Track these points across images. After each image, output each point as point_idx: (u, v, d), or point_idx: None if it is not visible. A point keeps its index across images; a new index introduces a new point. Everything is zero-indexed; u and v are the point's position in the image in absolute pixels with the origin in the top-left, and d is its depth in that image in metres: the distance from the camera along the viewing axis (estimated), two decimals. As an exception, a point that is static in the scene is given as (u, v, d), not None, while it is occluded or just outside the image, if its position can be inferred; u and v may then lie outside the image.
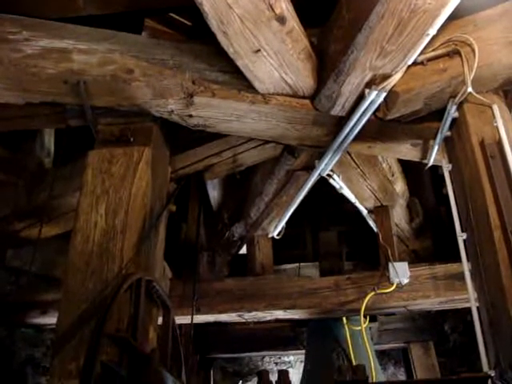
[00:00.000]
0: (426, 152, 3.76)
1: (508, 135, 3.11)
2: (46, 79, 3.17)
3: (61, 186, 4.29)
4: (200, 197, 5.05)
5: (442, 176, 3.65)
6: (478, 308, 3.17)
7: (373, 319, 5.65)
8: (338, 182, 4.28)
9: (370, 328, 5.63)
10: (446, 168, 3.60)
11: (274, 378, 2.65)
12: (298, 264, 5.63)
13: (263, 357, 6.51)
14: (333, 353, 5.03)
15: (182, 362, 3.43)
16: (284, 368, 5.23)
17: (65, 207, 4.32)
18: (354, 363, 4.83)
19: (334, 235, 5.48)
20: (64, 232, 4.41)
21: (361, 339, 4.97)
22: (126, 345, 2.56)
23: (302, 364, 6.27)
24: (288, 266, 5.72)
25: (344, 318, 5.07)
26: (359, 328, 4.94)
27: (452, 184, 3.54)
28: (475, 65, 3.08)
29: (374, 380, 4.65)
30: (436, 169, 4.81)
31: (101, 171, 3.19)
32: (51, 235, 4.57)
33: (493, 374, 2.72)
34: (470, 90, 3.15)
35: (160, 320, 3.29)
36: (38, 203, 4.36)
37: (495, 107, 3.22)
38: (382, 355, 6.38)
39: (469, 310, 3.27)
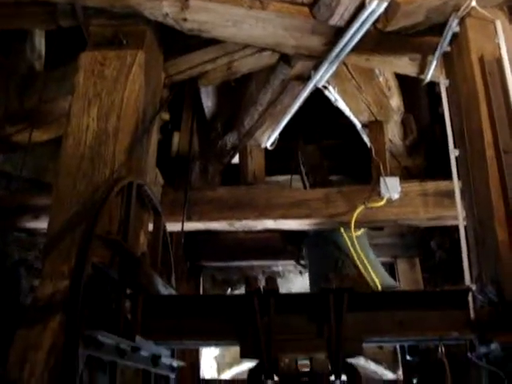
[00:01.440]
0: (423, 67, 3.72)
1: (509, 53, 3.06)
2: (35, -25, 3.07)
3: (52, 90, 4.23)
4: (194, 105, 4.99)
5: (439, 95, 3.62)
6: (465, 226, 3.21)
7: None
8: (333, 94, 4.23)
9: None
10: (443, 84, 3.56)
11: (261, 285, 2.70)
12: (290, 176, 5.63)
13: (252, 266, 6.62)
14: (338, 262, 5.07)
15: (172, 267, 3.49)
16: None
17: (57, 111, 4.27)
18: (362, 269, 4.89)
19: (316, 148, 5.42)
20: (56, 137, 4.38)
21: (359, 246, 5.01)
22: (117, 247, 2.59)
23: (291, 274, 6.41)
24: (280, 178, 5.72)
25: (341, 228, 5.08)
26: (358, 233, 4.99)
27: (448, 101, 3.51)
28: (481, -24, 3.00)
29: (379, 286, 4.72)
30: (432, 87, 4.77)
31: (93, 74, 3.14)
32: (43, 140, 4.54)
33: (474, 288, 2.78)
34: (473, 3, 3.08)
35: (151, 227, 3.33)
36: (29, 107, 4.31)
37: (498, 23, 3.16)
38: (368, 268, 6.51)
39: (456, 228, 3.31)
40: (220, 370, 6.99)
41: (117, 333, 2.41)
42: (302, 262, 6.00)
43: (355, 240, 4.80)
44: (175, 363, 3.21)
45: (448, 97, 3.50)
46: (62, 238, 2.68)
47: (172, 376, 3.23)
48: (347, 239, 4.99)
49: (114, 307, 2.58)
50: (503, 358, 2.49)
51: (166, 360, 3.01)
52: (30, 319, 2.45)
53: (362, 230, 5.07)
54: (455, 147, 3.34)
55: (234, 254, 6.14)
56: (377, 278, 4.82)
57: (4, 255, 5.60)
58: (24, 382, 2.22)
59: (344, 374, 2.48)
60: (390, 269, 6.28)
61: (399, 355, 5.95)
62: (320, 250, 5.46)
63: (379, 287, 4.73)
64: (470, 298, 2.69)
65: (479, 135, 2.97)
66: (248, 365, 2.63)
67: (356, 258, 4.92)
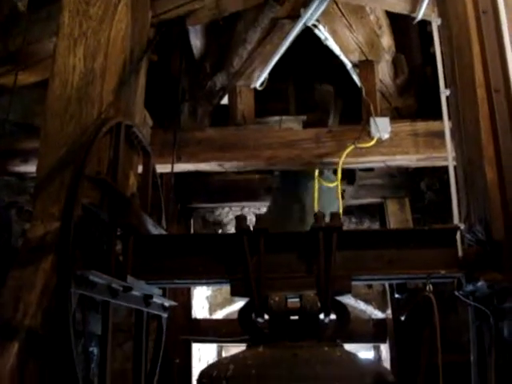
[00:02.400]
0: (415, 5, 3.67)
1: (503, -11, 2.99)
2: None
3: (37, 31, 4.15)
4: (182, 46, 4.91)
5: (430, 35, 3.56)
6: (454, 166, 3.21)
7: (351, 181, 5.71)
8: (323, 33, 4.17)
9: (344, 190, 5.64)
10: (435, 23, 3.51)
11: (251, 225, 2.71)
12: (280, 117, 5.59)
13: (243, 207, 6.63)
14: (294, 204, 5.12)
15: (163, 208, 3.50)
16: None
17: (42, 53, 4.20)
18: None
19: (331, 89, 5.31)
20: (43, 80, 4.31)
21: (329, 196, 5.05)
22: (107, 187, 2.59)
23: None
24: (270, 119, 5.67)
25: (316, 172, 5.10)
26: (330, 185, 5.03)
27: (440, 40, 3.46)
28: None
29: None
30: (424, 28, 4.70)
31: (78, 13, 3.07)
32: (29, 82, 4.48)
33: (462, 227, 2.80)
34: None
35: (141, 169, 3.32)
36: (13, 49, 4.23)
37: (494, -43, 3.07)
38: (358, 210, 6.53)
39: (446, 169, 3.32)
40: (212, 311, 7.09)
41: (108, 273, 2.44)
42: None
43: (339, 186, 4.82)
44: (167, 303, 3.25)
45: (440, 36, 3.46)
46: (51, 180, 2.67)
47: (164, 315, 3.29)
48: (316, 185, 5.02)
49: (105, 248, 2.60)
50: (489, 296, 2.53)
51: (157, 300, 3.05)
52: (22, 260, 2.47)
53: (336, 182, 5.07)
54: (446, 87, 3.32)
55: (225, 196, 6.15)
56: None
57: (-7, 198, 5.58)
58: (18, 322, 2.24)
59: (333, 311, 2.52)
60: (380, 209, 6.32)
61: (388, 294, 6.04)
62: (284, 190, 5.48)
63: None
64: (459, 237, 2.72)
65: (470, 74, 2.94)
66: (240, 305, 2.67)
67: (316, 205, 4.95)
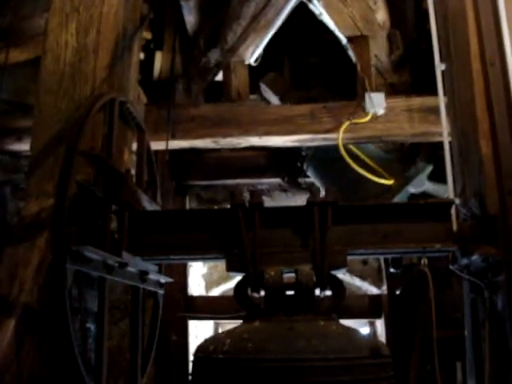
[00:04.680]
0: (410, -21, 3.62)
1: (499, -40, 2.97)
2: None
3: (28, 7, 4.11)
4: (175, 22, 4.88)
5: (426, 11, 3.53)
6: (449, 142, 3.21)
7: None
8: (317, 8, 4.14)
9: None
10: (431, -5, 3.48)
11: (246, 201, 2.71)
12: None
13: (238, 184, 6.63)
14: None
15: (157, 185, 3.49)
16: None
17: (33, 29, 4.17)
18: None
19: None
20: (35, 57, 4.28)
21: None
22: (101, 163, 2.58)
23: (276, 192, 6.43)
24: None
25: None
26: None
27: (435, 14, 3.44)
28: None
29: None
30: (419, 4, 4.68)
31: (69, -12, 3.03)
32: (21, 60, 4.44)
33: (457, 202, 2.81)
34: None
35: (135, 146, 3.31)
36: (4, 26, 4.19)
37: None
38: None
39: (441, 145, 3.31)
40: (208, 288, 7.12)
41: (104, 249, 2.43)
42: (301, 180, 6.04)
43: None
44: (163, 279, 3.25)
45: (435, 9, 3.43)
46: (45, 156, 2.67)
47: (160, 292, 3.29)
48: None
49: (100, 224, 2.60)
50: (483, 270, 2.56)
51: (153, 276, 3.06)
52: (16, 237, 2.46)
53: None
54: (441, 61, 3.30)
55: (220, 173, 6.15)
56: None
57: (-13, 177, 5.58)
58: (14, 298, 2.25)
59: (329, 286, 2.52)
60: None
61: (384, 270, 6.08)
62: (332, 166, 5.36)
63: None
64: (453, 211, 2.73)
65: (465, 47, 2.93)
66: (235, 282, 2.67)
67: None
